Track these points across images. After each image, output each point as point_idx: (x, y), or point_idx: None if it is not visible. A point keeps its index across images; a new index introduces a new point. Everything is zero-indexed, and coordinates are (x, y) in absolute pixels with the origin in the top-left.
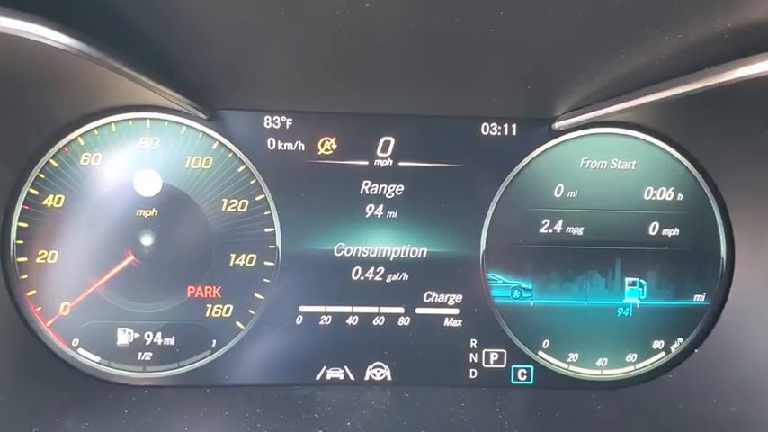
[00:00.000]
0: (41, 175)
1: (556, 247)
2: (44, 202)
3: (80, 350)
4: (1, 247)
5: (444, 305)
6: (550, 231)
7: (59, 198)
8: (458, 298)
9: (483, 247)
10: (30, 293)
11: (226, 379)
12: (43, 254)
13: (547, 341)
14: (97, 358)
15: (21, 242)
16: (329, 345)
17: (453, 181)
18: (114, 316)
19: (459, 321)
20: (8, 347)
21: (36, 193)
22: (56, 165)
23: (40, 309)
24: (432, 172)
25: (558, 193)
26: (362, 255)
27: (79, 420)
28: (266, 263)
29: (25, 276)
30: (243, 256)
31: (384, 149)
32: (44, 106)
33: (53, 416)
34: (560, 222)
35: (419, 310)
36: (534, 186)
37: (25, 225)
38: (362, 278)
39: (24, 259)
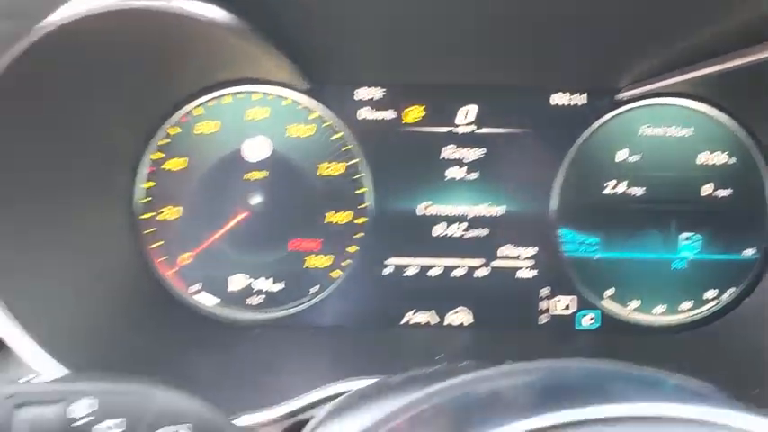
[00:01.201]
0: (164, 141)
1: (619, 206)
2: (166, 165)
3: (199, 295)
4: (129, 204)
5: (518, 258)
6: (614, 192)
7: (180, 161)
8: (531, 251)
9: (554, 206)
10: (154, 246)
11: (323, 322)
12: (166, 211)
13: (610, 290)
14: (213, 302)
15: (146, 200)
16: (414, 293)
17: (527, 146)
18: (228, 265)
19: (532, 272)
20: (135, 295)
21: (159, 156)
22: (176, 131)
23: (163, 259)
24: (508, 137)
25: (621, 158)
26: (444, 213)
27: (198, 357)
28: (358, 220)
29: (150, 231)
30: (338, 213)
31: (466, 117)
32: (169, 79)
33: (174, 353)
34: (623, 184)
35: (495, 263)
36: (600, 151)
37: (150, 185)
38: (444, 234)
39: (150, 215)
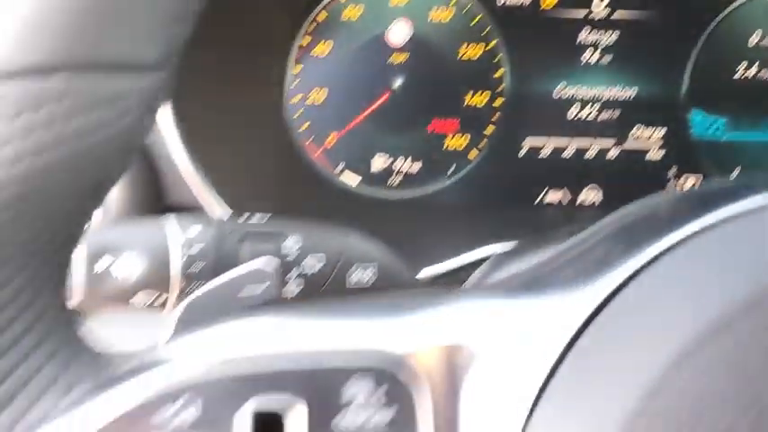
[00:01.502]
0: (312, 26)
1: (750, 89)
2: (314, 50)
3: (343, 175)
4: (279, 87)
5: (648, 139)
6: (746, 75)
7: (326, 46)
8: (661, 133)
9: (685, 88)
10: (302, 128)
11: (459, 201)
12: (313, 94)
13: (736, 172)
14: (356, 181)
15: (295, 84)
16: (548, 173)
17: (661, 29)
18: (370, 146)
19: (661, 153)
20: (283, 175)
21: (307, 41)
22: (324, 17)
23: (311, 140)
24: (642, 21)
25: (754, 41)
26: (579, 95)
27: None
28: (496, 102)
29: (298, 113)
30: (476, 95)
31: (601, 0)
32: None
33: None
34: (755, 67)
35: (626, 144)
36: (733, 34)
37: (298, 69)
38: (578, 116)
39: (298, 98)
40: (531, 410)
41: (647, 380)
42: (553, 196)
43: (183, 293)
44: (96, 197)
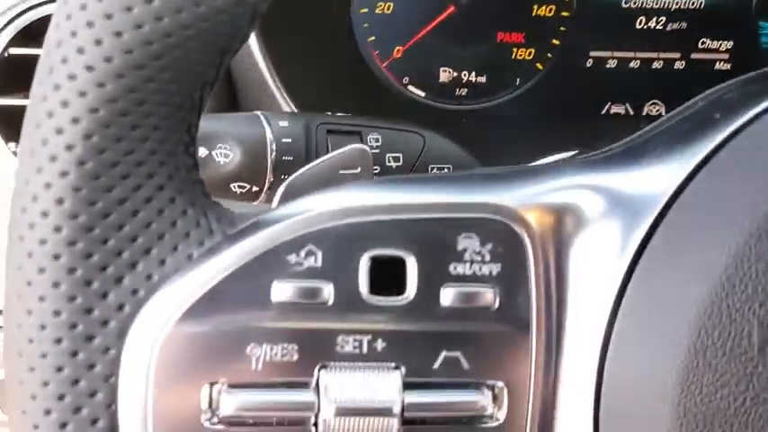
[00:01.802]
0: None
1: None
2: None
3: (409, 87)
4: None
5: (716, 51)
6: None
7: None
8: (729, 44)
9: None
10: (370, 39)
11: (525, 113)
12: (381, 6)
13: None
14: (423, 93)
15: None
16: (614, 84)
17: None
18: (437, 58)
19: (728, 65)
20: (353, 87)
21: None
22: None
23: (377, 52)
24: None
25: None
26: (647, 6)
27: None
28: (563, 13)
29: (366, 25)
30: (544, 6)
31: None
32: None
33: None
34: None
35: (693, 55)
36: None
37: None
38: (645, 27)
39: (365, 10)
40: (634, 265)
41: (748, 227)
42: (619, 108)
43: (273, 186)
44: (221, 64)
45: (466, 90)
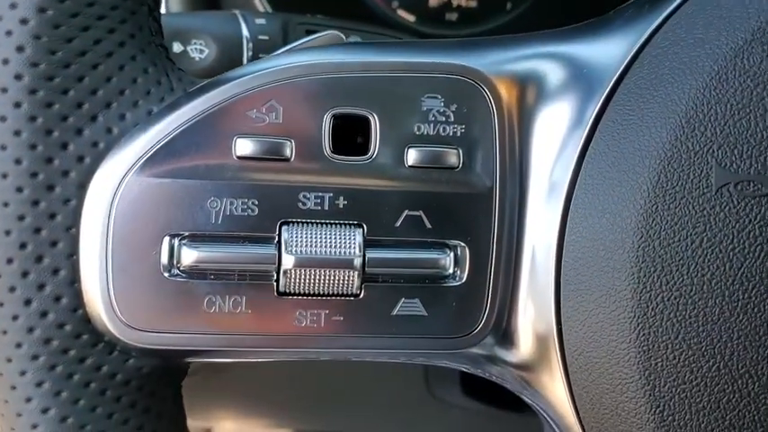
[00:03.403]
0: None
1: None
2: None
3: (399, 11)
4: None
5: None
6: None
7: None
8: None
9: None
10: None
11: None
12: None
13: None
14: (413, 18)
15: None
16: None
17: None
18: None
19: None
20: (340, 10)
21: None
22: None
23: None
24: None
25: None
26: None
27: None
28: None
29: None
30: None
31: None
32: None
33: None
34: None
35: None
36: None
37: None
38: None
39: None
40: (594, 127)
41: (709, 70)
42: None
43: None
44: None
45: (456, 15)
